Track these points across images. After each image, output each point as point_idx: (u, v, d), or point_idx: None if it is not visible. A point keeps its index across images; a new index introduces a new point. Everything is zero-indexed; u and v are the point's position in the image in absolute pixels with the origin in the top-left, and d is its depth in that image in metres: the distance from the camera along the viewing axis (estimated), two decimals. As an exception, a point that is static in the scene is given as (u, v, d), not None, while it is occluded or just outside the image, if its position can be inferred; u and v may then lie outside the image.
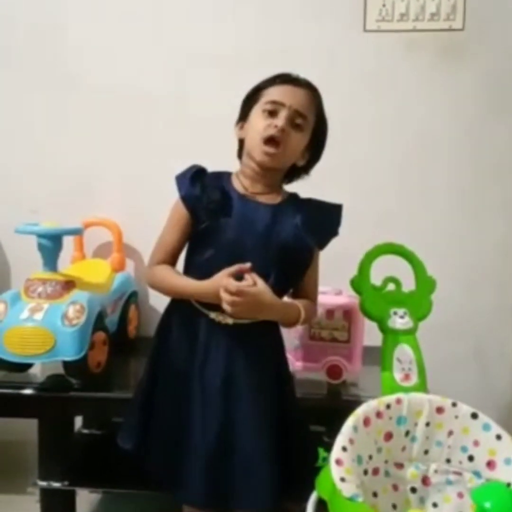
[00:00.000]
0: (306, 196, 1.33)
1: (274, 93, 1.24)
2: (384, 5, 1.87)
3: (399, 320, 1.40)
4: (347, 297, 1.57)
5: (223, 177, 1.29)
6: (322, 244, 1.31)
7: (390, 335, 1.40)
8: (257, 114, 1.25)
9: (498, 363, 1.98)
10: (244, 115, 1.29)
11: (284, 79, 1.26)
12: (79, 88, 1.98)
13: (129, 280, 1.95)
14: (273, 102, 1.23)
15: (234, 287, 1.15)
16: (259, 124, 1.23)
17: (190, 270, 1.28)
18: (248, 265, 1.17)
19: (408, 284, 1.47)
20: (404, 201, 1.95)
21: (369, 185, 1.94)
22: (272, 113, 1.22)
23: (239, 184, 1.29)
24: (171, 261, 1.30)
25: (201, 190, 1.25)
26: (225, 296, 1.15)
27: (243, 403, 1.22)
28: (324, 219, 1.29)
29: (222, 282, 1.17)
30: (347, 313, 1.55)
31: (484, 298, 1.96)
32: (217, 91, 1.91)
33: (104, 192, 2.02)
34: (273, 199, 1.29)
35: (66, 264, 1.84)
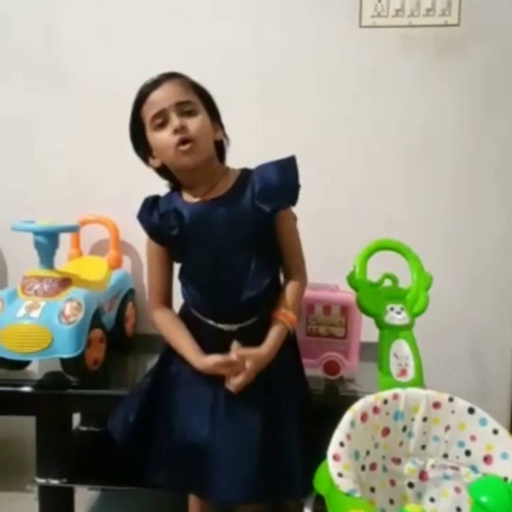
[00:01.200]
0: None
1: (149, 108, 1.22)
2: (379, 1, 1.87)
3: (396, 316, 1.41)
4: (344, 293, 1.57)
5: (173, 196, 1.30)
6: (285, 202, 1.25)
7: (387, 331, 1.41)
8: (154, 135, 1.23)
9: (495, 362, 1.98)
10: (145, 148, 1.28)
11: (146, 90, 1.24)
12: (75, 86, 1.97)
13: (126, 278, 1.94)
14: (155, 116, 1.21)
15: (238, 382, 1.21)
16: (162, 140, 1.21)
17: (183, 275, 1.30)
18: (233, 357, 1.20)
19: (405, 280, 1.48)
20: (403, 199, 1.94)
21: (367, 182, 1.94)
22: (163, 124, 1.21)
23: (188, 196, 1.29)
24: (167, 297, 1.34)
25: (160, 218, 1.27)
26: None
27: (249, 404, 1.23)
28: (278, 178, 1.24)
29: (216, 370, 1.21)
30: (344, 309, 1.56)
31: (482, 296, 1.96)
32: (216, 92, 1.90)
33: (100, 190, 2.01)
34: (223, 187, 1.26)
35: (63, 261, 1.84)
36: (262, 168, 1.27)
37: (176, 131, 1.19)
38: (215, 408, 1.25)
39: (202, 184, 1.26)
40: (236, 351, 1.22)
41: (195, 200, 1.27)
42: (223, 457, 1.21)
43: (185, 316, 1.32)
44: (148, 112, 1.23)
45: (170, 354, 1.32)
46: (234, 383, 1.21)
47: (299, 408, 1.28)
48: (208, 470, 1.22)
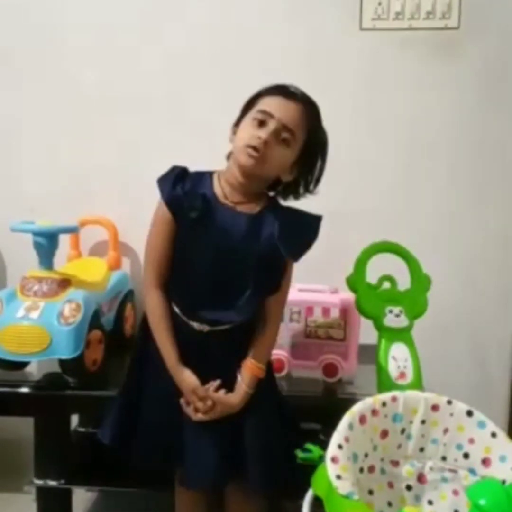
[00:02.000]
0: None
1: (266, 103, 1.23)
2: (379, 4, 1.87)
3: (395, 318, 1.41)
4: (343, 295, 1.57)
5: (204, 179, 1.28)
6: (296, 255, 1.27)
7: (386, 333, 1.41)
8: (248, 121, 1.24)
9: (495, 361, 1.99)
10: (240, 120, 1.29)
11: (279, 90, 1.24)
12: (76, 87, 1.98)
13: (125, 279, 1.94)
14: (264, 112, 1.22)
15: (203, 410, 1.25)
16: (246, 132, 1.22)
17: (175, 263, 1.29)
18: (209, 403, 1.25)
19: (404, 282, 1.48)
20: (402, 199, 1.95)
21: (367, 184, 1.94)
22: (262, 123, 1.21)
23: (219, 189, 1.27)
24: (165, 279, 1.30)
25: (183, 193, 1.24)
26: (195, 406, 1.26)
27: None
28: (300, 230, 1.26)
29: (189, 397, 1.26)
30: (343, 311, 1.56)
31: (481, 295, 1.97)
32: (215, 92, 1.91)
33: (100, 191, 2.01)
34: (252, 208, 1.27)
35: (62, 262, 1.84)
36: (292, 213, 1.29)
37: (258, 138, 1.19)
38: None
39: (238, 191, 1.26)
40: (211, 391, 1.25)
41: (225, 201, 1.26)
42: (190, 445, 1.28)
43: None
44: (263, 104, 1.23)
45: (143, 353, 1.34)
46: (198, 418, 1.26)
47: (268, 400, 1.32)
48: (178, 456, 1.29)
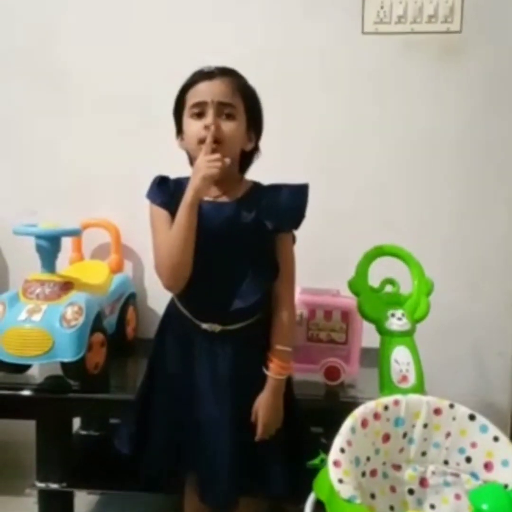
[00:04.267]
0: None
1: (193, 95, 1.24)
2: (382, 8, 1.87)
3: (397, 322, 1.41)
4: (345, 298, 1.57)
5: (185, 183, 1.27)
6: (284, 227, 1.27)
7: (388, 337, 1.41)
8: (187, 121, 1.25)
9: (496, 364, 1.98)
10: (179, 128, 1.30)
11: (197, 77, 1.25)
12: (78, 89, 1.98)
13: (127, 282, 1.95)
14: (196, 105, 1.22)
15: None
16: (192, 130, 1.23)
17: None
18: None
19: (406, 286, 1.48)
20: (404, 202, 1.95)
21: (369, 187, 1.94)
22: (200, 115, 1.22)
23: None
24: None
25: (170, 195, 1.26)
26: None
27: (229, 405, 1.25)
28: (285, 202, 1.26)
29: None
30: (345, 314, 1.56)
31: (483, 299, 1.96)
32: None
33: (102, 193, 2.02)
34: (234, 194, 1.28)
35: (65, 265, 1.84)
36: (275, 187, 1.29)
37: (206, 127, 1.20)
38: (193, 412, 1.27)
39: (215, 185, 1.26)
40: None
41: (205, 197, 1.26)
42: (201, 460, 1.26)
43: (171, 308, 1.34)
44: (191, 98, 1.24)
45: (157, 359, 1.33)
46: (257, 436, 1.25)
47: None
48: (189, 470, 1.29)
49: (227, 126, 1.22)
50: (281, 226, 1.27)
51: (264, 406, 1.26)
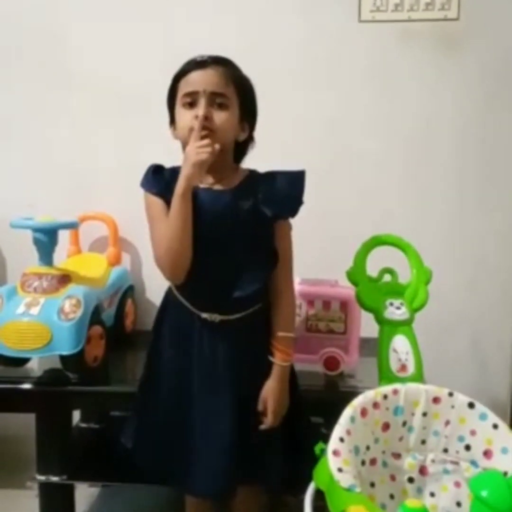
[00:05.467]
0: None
1: (185, 85, 1.23)
2: (378, -5, 1.87)
3: (396, 311, 1.41)
4: (343, 288, 1.56)
5: (178, 172, 1.27)
6: (283, 214, 1.27)
7: (387, 326, 1.41)
8: (179, 111, 1.24)
9: (495, 358, 1.98)
10: (172, 117, 1.29)
11: (190, 66, 1.24)
12: (76, 83, 1.97)
13: (126, 274, 1.94)
14: (188, 94, 1.22)
15: None
16: (184, 119, 1.22)
17: None
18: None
19: (404, 275, 1.47)
20: (403, 194, 1.94)
21: (367, 178, 1.94)
22: (192, 104, 1.21)
23: None
24: None
25: (165, 183, 1.25)
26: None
27: (230, 395, 1.25)
28: (283, 189, 1.26)
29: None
30: (343, 304, 1.56)
31: (482, 293, 1.96)
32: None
33: (100, 186, 2.01)
34: (230, 182, 1.27)
35: (62, 258, 1.84)
36: (272, 174, 1.28)
37: (196, 117, 1.20)
38: (191, 403, 1.27)
39: (209, 173, 1.26)
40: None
41: (201, 185, 1.26)
42: (199, 451, 1.26)
43: (168, 299, 1.33)
44: (183, 88, 1.23)
45: (155, 351, 1.33)
46: (266, 424, 1.26)
47: None
48: (186, 463, 1.27)
49: (219, 116, 1.21)
50: (280, 213, 1.27)
51: (272, 394, 1.26)
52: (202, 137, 1.18)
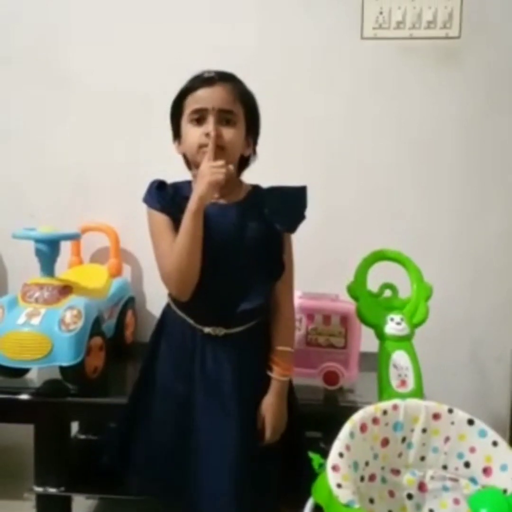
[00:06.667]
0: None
1: (193, 102, 1.23)
2: (381, 13, 1.88)
3: (396, 326, 1.41)
4: (344, 303, 1.57)
5: (183, 186, 1.28)
6: (291, 228, 1.29)
7: (387, 341, 1.41)
8: (187, 127, 1.25)
9: (494, 369, 1.99)
10: (177, 132, 1.29)
11: (198, 83, 1.24)
12: (77, 91, 1.98)
13: (126, 286, 1.95)
14: (196, 111, 1.22)
15: None
16: (193, 135, 1.23)
17: None
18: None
19: (405, 290, 1.48)
20: (403, 206, 1.95)
21: (368, 190, 1.95)
22: (200, 120, 1.22)
23: None
24: None
25: (170, 198, 1.25)
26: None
27: (236, 412, 1.23)
28: (289, 204, 1.28)
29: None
30: (343, 319, 1.56)
31: (481, 303, 1.97)
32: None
33: (101, 197, 2.02)
34: (236, 196, 1.28)
35: (64, 269, 1.84)
36: (276, 190, 1.30)
37: (206, 135, 1.20)
38: (192, 423, 1.25)
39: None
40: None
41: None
42: (200, 472, 1.23)
43: (167, 317, 1.32)
44: (190, 104, 1.24)
45: (151, 364, 1.32)
46: (265, 441, 1.25)
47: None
48: (186, 484, 1.24)
49: (228, 133, 1.22)
50: (288, 227, 1.29)
51: (271, 410, 1.25)
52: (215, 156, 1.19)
